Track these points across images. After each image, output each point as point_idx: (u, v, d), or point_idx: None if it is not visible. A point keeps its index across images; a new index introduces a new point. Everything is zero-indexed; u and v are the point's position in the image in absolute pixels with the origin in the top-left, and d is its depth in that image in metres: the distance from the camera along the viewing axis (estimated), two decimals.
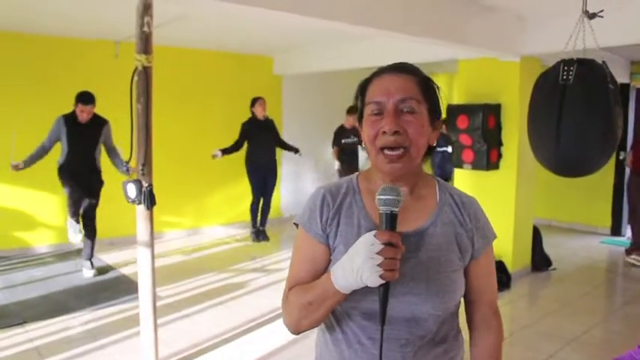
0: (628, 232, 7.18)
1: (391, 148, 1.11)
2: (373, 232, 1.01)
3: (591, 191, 7.27)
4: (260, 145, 6.40)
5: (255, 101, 6.38)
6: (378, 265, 0.98)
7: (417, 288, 1.12)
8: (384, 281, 1.00)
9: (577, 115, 2.90)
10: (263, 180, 6.48)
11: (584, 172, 3.17)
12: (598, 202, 7.35)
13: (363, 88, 1.20)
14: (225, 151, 6.23)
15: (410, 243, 1.12)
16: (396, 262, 1.00)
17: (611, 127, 2.90)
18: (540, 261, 5.55)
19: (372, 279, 0.99)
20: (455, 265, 1.17)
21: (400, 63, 1.19)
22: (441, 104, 1.20)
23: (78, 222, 5.10)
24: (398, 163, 1.11)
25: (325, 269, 1.16)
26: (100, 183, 5.11)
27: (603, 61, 2.96)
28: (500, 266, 5.05)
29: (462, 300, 1.26)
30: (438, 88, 1.20)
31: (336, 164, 7.00)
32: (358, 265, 1.00)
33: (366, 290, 1.06)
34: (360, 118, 1.20)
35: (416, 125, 1.12)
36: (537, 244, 5.56)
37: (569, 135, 2.93)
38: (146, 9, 2.91)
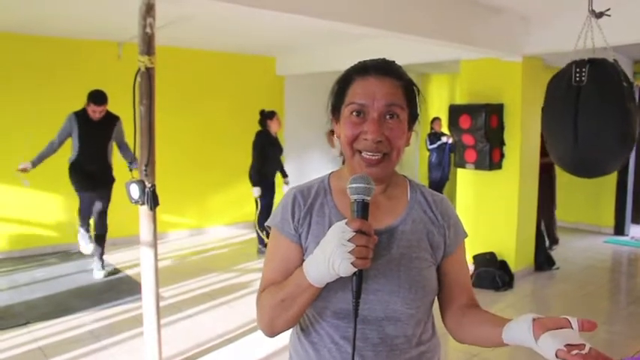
0: (632, 231, 7.17)
1: (370, 152, 1.11)
2: (344, 220, 1.00)
3: (594, 190, 7.25)
4: (272, 163, 5.94)
5: (272, 115, 5.86)
6: (350, 252, 0.97)
7: (389, 285, 1.11)
8: (355, 269, 0.98)
9: (594, 116, 2.88)
10: (273, 198, 5.99)
11: (605, 172, 3.15)
12: (601, 201, 7.34)
13: (343, 84, 1.16)
14: None
15: (381, 240, 1.12)
16: (368, 251, 0.98)
17: (629, 125, 2.88)
18: (543, 261, 5.55)
19: (344, 267, 0.97)
20: (426, 262, 1.16)
21: (386, 63, 1.17)
22: (419, 107, 1.20)
23: (88, 231, 5.10)
24: (377, 167, 1.11)
25: None
26: (111, 181, 5.02)
27: (615, 59, 2.94)
28: (503, 266, 5.04)
29: (438, 303, 1.24)
30: (418, 91, 1.20)
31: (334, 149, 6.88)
32: (329, 253, 0.98)
33: (337, 288, 1.07)
34: (336, 113, 1.18)
35: (398, 131, 1.12)
36: (540, 244, 5.56)
37: (587, 136, 2.90)
38: (148, 10, 2.91)
